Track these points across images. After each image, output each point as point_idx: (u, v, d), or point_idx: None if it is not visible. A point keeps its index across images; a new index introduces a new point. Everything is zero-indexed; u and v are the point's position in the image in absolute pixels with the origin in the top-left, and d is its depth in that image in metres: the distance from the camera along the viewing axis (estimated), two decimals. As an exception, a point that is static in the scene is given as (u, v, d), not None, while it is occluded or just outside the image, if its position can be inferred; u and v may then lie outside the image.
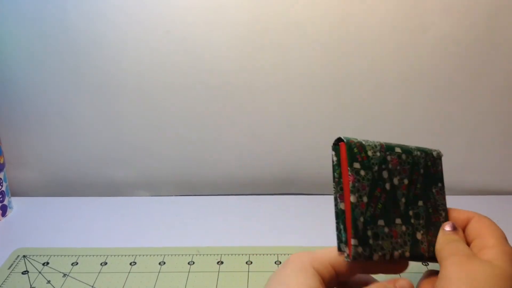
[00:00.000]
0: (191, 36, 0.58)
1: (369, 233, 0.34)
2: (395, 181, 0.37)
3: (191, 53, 0.59)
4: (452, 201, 0.64)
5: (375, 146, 0.37)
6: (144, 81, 0.61)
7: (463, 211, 0.40)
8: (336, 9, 0.56)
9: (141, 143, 0.66)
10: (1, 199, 0.60)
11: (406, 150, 0.39)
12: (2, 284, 0.48)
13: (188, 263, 0.51)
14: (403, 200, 0.37)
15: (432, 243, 0.37)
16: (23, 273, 0.50)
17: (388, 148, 0.37)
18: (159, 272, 0.50)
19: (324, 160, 0.68)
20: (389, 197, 0.36)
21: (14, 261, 0.51)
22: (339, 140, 0.36)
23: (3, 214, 0.61)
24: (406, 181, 0.38)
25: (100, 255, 0.52)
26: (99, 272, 0.50)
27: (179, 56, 0.59)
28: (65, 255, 0.52)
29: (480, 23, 0.57)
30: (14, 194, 0.66)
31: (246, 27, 0.58)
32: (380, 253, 0.34)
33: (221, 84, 0.61)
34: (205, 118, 0.64)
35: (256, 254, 0.52)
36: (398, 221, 0.36)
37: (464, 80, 0.60)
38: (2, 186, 0.60)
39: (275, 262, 0.51)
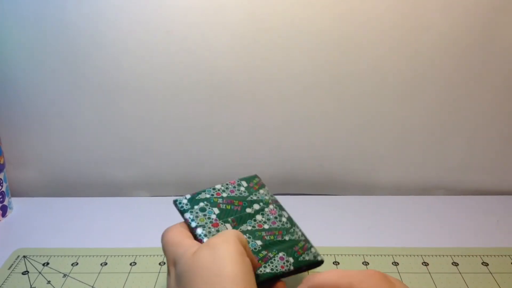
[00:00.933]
0: (191, 36, 0.58)
1: None
2: (258, 217, 0.43)
3: (191, 53, 0.59)
4: (452, 201, 0.64)
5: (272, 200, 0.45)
6: (144, 81, 0.61)
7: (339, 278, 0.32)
8: (336, 8, 0.56)
9: (141, 143, 0.66)
10: (1, 199, 0.60)
11: (293, 222, 0.45)
12: (2, 284, 0.48)
13: (188, 263, 0.51)
14: (249, 227, 0.42)
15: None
16: (23, 273, 0.50)
17: (281, 207, 0.45)
18: (159, 272, 0.50)
19: (323, 160, 0.68)
20: (242, 215, 0.42)
21: (14, 262, 0.51)
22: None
23: (3, 215, 0.61)
24: (266, 226, 0.42)
25: (100, 255, 0.52)
26: (99, 272, 0.50)
27: (179, 56, 0.59)
28: (65, 255, 0.52)
29: (480, 23, 0.57)
30: (14, 195, 0.66)
31: (246, 27, 0.58)
32: None
33: (221, 84, 0.61)
34: (205, 118, 0.64)
35: (256, 254, 0.52)
36: (229, 227, 0.41)
37: (464, 80, 0.60)
38: (2, 186, 0.60)
39: (275, 262, 0.51)
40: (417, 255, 0.51)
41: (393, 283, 0.32)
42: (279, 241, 0.41)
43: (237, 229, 0.41)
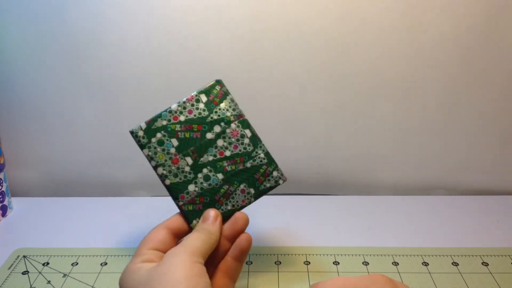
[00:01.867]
0: (191, 36, 0.58)
1: None
2: (219, 142, 0.41)
3: (191, 53, 0.59)
4: (452, 201, 0.64)
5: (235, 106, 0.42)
6: (144, 81, 0.61)
7: None
8: (335, 8, 0.56)
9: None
10: (1, 199, 0.60)
11: (257, 141, 0.42)
12: (2, 284, 0.48)
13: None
14: (210, 158, 0.41)
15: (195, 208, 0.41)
16: (23, 273, 0.50)
17: (244, 123, 0.42)
18: (159, 272, 0.50)
19: (323, 160, 0.68)
20: (202, 143, 0.41)
21: (14, 261, 0.51)
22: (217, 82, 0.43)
23: (3, 214, 0.61)
24: (228, 153, 0.41)
25: (100, 255, 0.52)
26: (99, 272, 0.50)
27: (179, 56, 0.59)
28: (65, 255, 0.52)
29: (480, 23, 0.57)
30: (14, 194, 0.66)
31: (245, 27, 0.58)
32: None
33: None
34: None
35: (256, 254, 0.52)
36: (189, 161, 0.41)
37: (464, 80, 0.60)
38: (2, 186, 0.60)
39: (275, 262, 0.51)
40: (417, 255, 0.51)
41: (399, 287, 0.32)
42: (240, 170, 0.41)
43: (197, 161, 0.40)
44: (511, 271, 0.49)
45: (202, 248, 0.36)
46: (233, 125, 0.42)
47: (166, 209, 0.63)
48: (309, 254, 0.52)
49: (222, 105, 0.42)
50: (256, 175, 0.41)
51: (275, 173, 0.42)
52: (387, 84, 0.61)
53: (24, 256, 0.52)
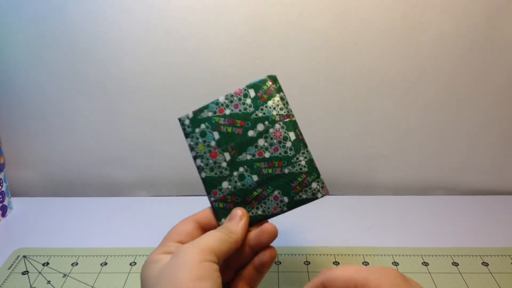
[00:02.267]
0: (191, 36, 0.58)
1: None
2: (260, 141, 0.39)
3: (191, 53, 0.59)
4: (452, 201, 0.64)
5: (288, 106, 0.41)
6: (144, 81, 0.61)
7: (340, 277, 0.32)
8: (335, 8, 0.56)
9: (141, 143, 0.66)
10: (1, 199, 0.60)
11: (300, 146, 0.40)
12: (2, 284, 0.48)
13: (188, 263, 0.51)
14: (249, 157, 0.39)
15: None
16: (23, 273, 0.50)
17: (290, 124, 0.40)
18: (159, 272, 0.50)
19: (324, 160, 0.68)
20: (243, 140, 0.39)
21: (14, 261, 0.51)
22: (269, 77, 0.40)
23: (3, 215, 0.61)
24: (267, 154, 0.39)
25: (100, 255, 0.52)
26: (99, 272, 0.50)
27: (179, 56, 0.59)
28: (65, 255, 0.52)
29: (480, 23, 0.57)
30: (14, 194, 0.66)
31: (245, 27, 0.58)
32: None
33: (221, 83, 0.61)
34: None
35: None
36: (227, 156, 0.40)
37: (464, 80, 0.60)
38: (2, 186, 0.60)
39: (275, 262, 0.51)
40: (417, 255, 0.51)
41: (409, 282, 0.32)
42: (277, 175, 0.39)
43: (235, 158, 0.39)
44: (511, 271, 0.49)
45: (216, 246, 0.34)
46: (277, 125, 0.39)
47: (166, 209, 0.63)
48: (309, 254, 0.52)
49: (270, 102, 0.40)
50: (293, 183, 0.39)
51: (314, 185, 0.39)
52: (387, 84, 0.61)
53: (24, 256, 0.52)
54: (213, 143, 0.40)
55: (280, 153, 0.39)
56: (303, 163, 0.39)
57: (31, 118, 0.64)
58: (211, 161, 0.40)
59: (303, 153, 0.39)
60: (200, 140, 0.40)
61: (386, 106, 0.62)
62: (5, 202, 0.61)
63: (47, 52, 0.60)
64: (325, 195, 0.39)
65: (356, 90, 0.61)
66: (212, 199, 0.40)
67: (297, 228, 0.57)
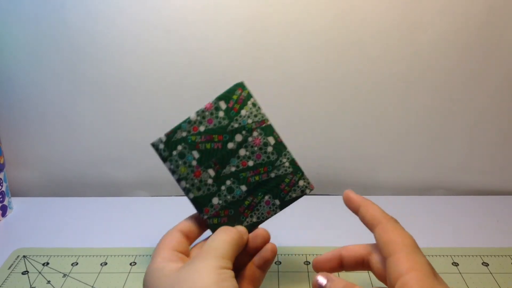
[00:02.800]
0: (191, 36, 0.58)
1: None
2: (242, 151, 0.39)
3: (191, 53, 0.59)
4: (452, 201, 0.64)
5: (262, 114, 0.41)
6: (144, 81, 0.61)
7: (373, 213, 0.36)
8: (335, 8, 0.56)
9: (141, 143, 0.66)
10: (1, 199, 0.60)
11: (281, 148, 0.40)
12: (2, 284, 0.48)
13: (188, 263, 0.51)
14: (233, 169, 0.39)
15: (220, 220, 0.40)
16: (23, 273, 0.50)
17: (267, 130, 0.40)
18: (159, 272, 0.50)
19: (324, 160, 0.68)
20: (224, 153, 0.39)
21: (14, 261, 0.51)
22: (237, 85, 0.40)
23: (3, 214, 0.61)
24: (251, 163, 0.39)
25: (100, 255, 0.52)
26: (99, 272, 0.50)
27: (179, 56, 0.59)
28: (65, 255, 0.52)
29: (480, 23, 0.57)
30: (14, 194, 0.66)
31: (245, 27, 0.58)
32: None
33: (221, 83, 0.61)
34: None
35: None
36: (211, 173, 0.40)
37: (464, 80, 0.60)
38: (2, 186, 0.60)
39: (275, 263, 0.51)
40: (417, 255, 0.51)
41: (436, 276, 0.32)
42: (264, 181, 0.39)
43: (220, 173, 0.39)
44: (511, 271, 0.49)
45: (230, 251, 0.35)
46: (255, 133, 0.40)
47: (166, 209, 0.63)
48: (309, 254, 0.52)
49: (243, 111, 0.40)
50: (281, 185, 0.39)
51: (301, 183, 0.40)
52: (387, 84, 0.61)
53: (24, 256, 0.52)
54: (194, 163, 0.39)
55: (263, 159, 0.39)
56: (287, 164, 0.40)
57: (31, 118, 0.64)
58: (196, 181, 0.39)
59: (285, 154, 0.40)
60: (180, 162, 0.39)
61: (386, 106, 0.62)
62: (5, 202, 0.61)
63: (47, 52, 0.60)
64: (312, 189, 0.40)
65: (356, 90, 0.61)
66: (206, 217, 0.40)
67: (297, 228, 0.57)
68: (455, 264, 0.50)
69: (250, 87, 0.62)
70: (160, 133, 0.65)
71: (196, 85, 0.61)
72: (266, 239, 0.39)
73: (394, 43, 0.58)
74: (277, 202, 0.39)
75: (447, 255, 0.51)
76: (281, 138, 0.40)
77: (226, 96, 0.40)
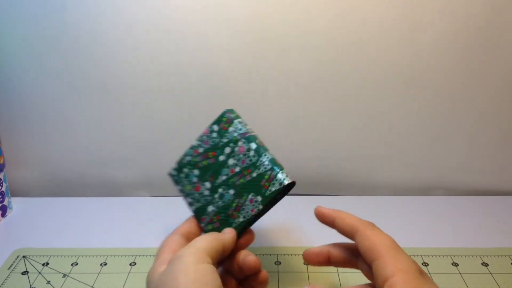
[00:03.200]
0: (191, 36, 0.58)
1: None
2: (230, 161, 0.43)
3: (191, 53, 0.59)
4: (452, 201, 0.64)
5: (246, 128, 0.44)
6: (144, 81, 0.61)
7: (350, 221, 0.37)
8: (335, 8, 0.56)
9: (141, 143, 0.66)
10: (1, 199, 0.60)
11: (262, 151, 0.43)
12: (2, 284, 0.48)
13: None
14: (224, 177, 0.43)
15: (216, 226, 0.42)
16: (23, 273, 0.50)
17: (250, 138, 0.43)
18: (159, 272, 0.50)
19: (324, 160, 0.68)
20: (217, 166, 0.44)
21: (14, 262, 0.51)
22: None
23: (3, 215, 0.61)
24: (237, 169, 0.43)
25: (100, 255, 0.52)
26: (99, 273, 0.50)
27: (179, 56, 0.59)
28: (65, 256, 0.52)
29: (480, 23, 0.57)
30: (14, 195, 0.66)
31: (245, 27, 0.58)
32: None
33: (221, 83, 0.61)
34: (205, 118, 0.63)
35: (256, 255, 0.52)
36: (207, 185, 0.44)
37: (464, 80, 0.60)
38: (2, 186, 0.60)
39: (275, 263, 0.51)
40: (417, 255, 0.51)
41: (424, 275, 0.33)
42: (248, 181, 0.41)
43: (214, 183, 0.43)
44: (511, 271, 0.49)
45: (208, 247, 0.35)
46: (239, 143, 0.43)
47: (166, 209, 0.63)
48: (309, 254, 0.52)
49: (231, 128, 0.45)
50: (262, 181, 0.41)
51: (279, 176, 0.40)
52: (387, 84, 0.61)
53: (24, 256, 0.52)
54: (195, 179, 0.45)
55: (247, 163, 0.42)
56: (266, 162, 0.41)
57: (31, 118, 0.64)
58: (196, 195, 0.44)
59: (265, 155, 0.42)
60: (186, 181, 0.45)
61: (386, 106, 0.62)
62: (5, 202, 0.61)
63: (47, 52, 0.60)
64: (292, 182, 0.41)
65: (356, 90, 0.61)
66: (203, 225, 0.43)
67: (297, 228, 0.57)
68: (455, 264, 0.50)
69: (250, 86, 0.62)
70: (160, 133, 0.65)
71: (196, 85, 0.61)
72: (257, 267, 0.39)
73: (394, 43, 0.58)
74: (259, 198, 0.40)
75: (447, 255, 0.51)
76: (264, 144, 0.43)
77: (218, 120, 0.46)
